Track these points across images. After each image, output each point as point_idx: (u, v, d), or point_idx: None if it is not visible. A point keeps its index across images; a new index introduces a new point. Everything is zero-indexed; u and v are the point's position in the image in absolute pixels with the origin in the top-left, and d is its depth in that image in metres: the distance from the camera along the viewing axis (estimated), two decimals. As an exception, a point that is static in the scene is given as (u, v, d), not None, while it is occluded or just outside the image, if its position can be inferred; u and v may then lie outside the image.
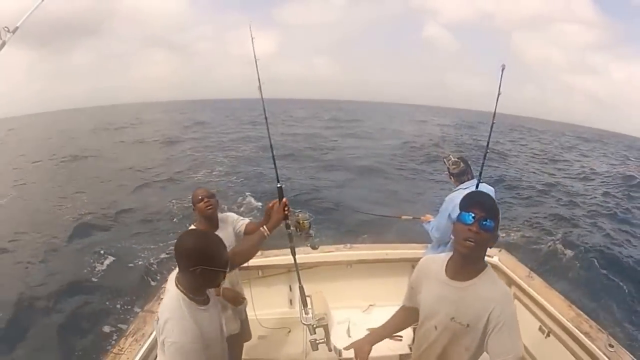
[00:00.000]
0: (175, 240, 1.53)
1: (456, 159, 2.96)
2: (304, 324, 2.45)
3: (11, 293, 5.91)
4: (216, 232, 2.38)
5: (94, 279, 6.55)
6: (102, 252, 7.47)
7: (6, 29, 1.77)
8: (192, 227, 2.46)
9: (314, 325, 2.44)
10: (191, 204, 2.53)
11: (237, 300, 2.51)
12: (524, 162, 17.92)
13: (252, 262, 3.26)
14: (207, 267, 1.44)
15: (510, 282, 3.19)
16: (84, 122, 38.40)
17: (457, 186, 2.95)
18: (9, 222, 9.16)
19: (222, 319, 1.71)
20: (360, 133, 25.61)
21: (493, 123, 2.50)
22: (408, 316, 1.73)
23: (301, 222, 2.13)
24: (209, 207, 2.43)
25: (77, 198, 10.95)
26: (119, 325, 4.93)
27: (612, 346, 2.18)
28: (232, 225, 2.62)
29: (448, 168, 2.99)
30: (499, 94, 2.46)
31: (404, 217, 3.57)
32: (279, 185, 2.17)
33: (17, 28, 1.83)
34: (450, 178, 3.01)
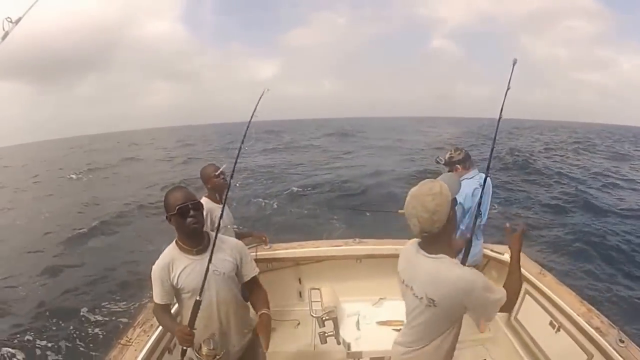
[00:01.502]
0: None
1: (456, 147, 3.00)
2: (314, 316, 2.46)
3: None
4: (220, 205, 2.66)
5: (104, 271, 6.71)
6: (114, 246, 7.65)
7: (9, 19, 1.74)
8: (205, 198, 2.78)
9: (323, 318, 2.45)
10: (201, 180, 2.87)
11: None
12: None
13: (261, 254, 3.31)
14: (168, 214, 1.75)
15: (522, 278, 3.16)
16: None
17: (461, 176, 2.90)
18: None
19: (214, 276, 1.79)
20: (368, 146, 25.52)
21: (500, 117, 2.38)
22: None
23: (203, 353, 1.75)
24: (224, 180, 2.76)
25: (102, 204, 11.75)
26: (126, 316, 5.03)
27: (623, 341, 2.16)
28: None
29: (451, 158, 2.97)
30: (508, 88, 2.37)
31: (400, 211, 3.52)
32: (198, 299, 1.74)
33: (20, 19, 1.79)
34: (454, 169, 2.95)
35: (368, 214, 8.00)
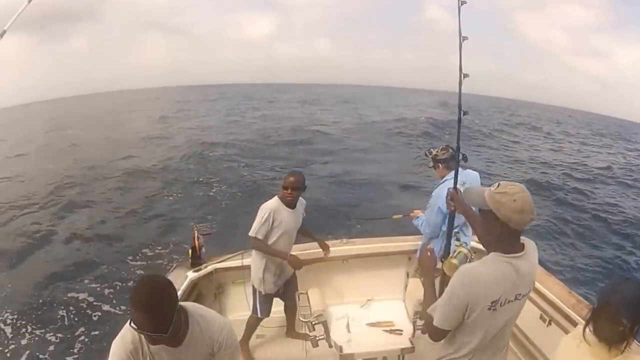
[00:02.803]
0: None
1: (444, 145, 2.86)
2: (303, 321, 2.43)
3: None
4: (292, 211, 2.83)
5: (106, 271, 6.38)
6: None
7: None
8: (276, 197, 2.83)
9: (313, 322, 2.42)
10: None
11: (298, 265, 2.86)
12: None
13: (247, 262, 3.22)
14: None
15: None
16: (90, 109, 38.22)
17: (442, 176, 2.81)
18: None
19: None
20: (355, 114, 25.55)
21: (461, 112, 2.11)
22: None
23: None
24: (288, 197, 2.78)
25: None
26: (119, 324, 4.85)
27: None
28: (302, 207, 2.99)
29: (435, 155, 2.85)
30: (461, 75, 2.05)
31: (395, 216, 3.48)
32: None
33: (4, 32, 1.86)
34: (437, 167, 2.86)
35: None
